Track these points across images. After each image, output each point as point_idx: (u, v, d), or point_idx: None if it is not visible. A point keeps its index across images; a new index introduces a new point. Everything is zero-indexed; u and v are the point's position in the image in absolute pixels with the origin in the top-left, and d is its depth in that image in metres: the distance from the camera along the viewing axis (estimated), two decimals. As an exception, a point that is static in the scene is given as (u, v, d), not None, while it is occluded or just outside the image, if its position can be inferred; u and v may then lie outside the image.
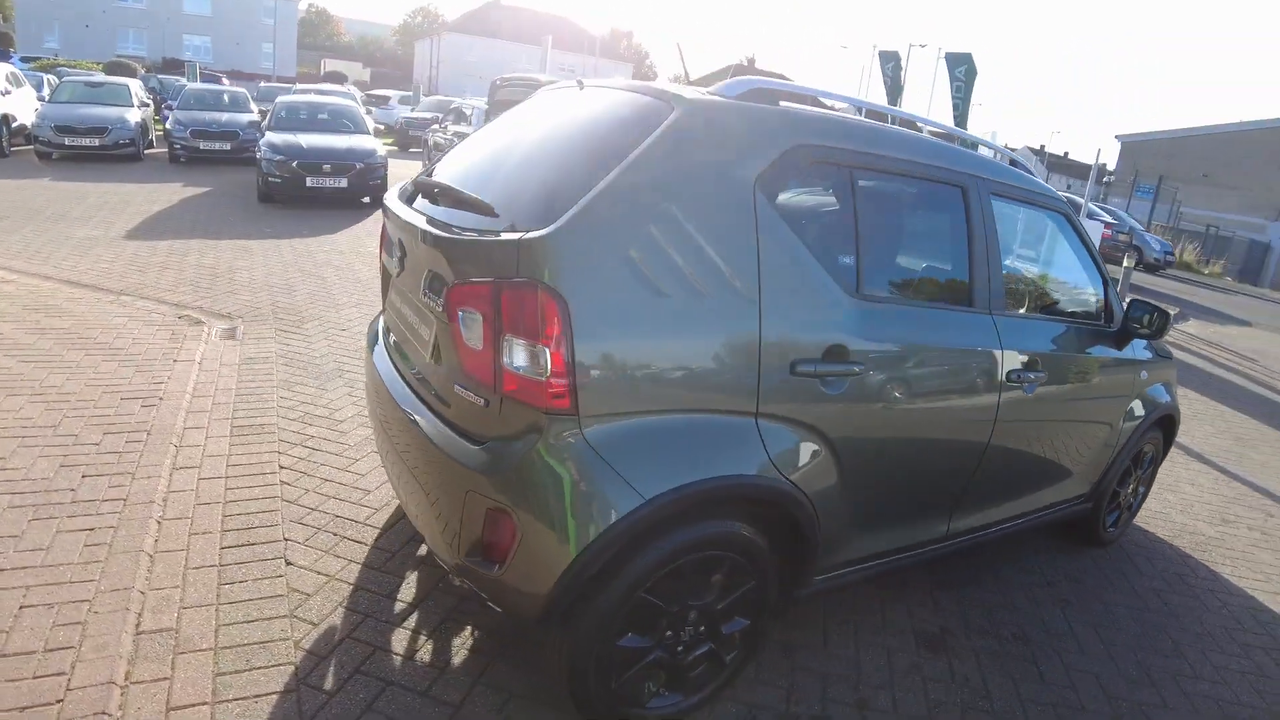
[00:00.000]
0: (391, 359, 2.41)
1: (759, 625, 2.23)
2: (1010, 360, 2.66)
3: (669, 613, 1.98)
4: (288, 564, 2.59)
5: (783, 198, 2.01)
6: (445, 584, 2.63)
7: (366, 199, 10.50)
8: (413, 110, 22.99)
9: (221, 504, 2.89)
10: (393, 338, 2.46)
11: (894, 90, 25.55)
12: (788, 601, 2.35)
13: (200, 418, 3.61)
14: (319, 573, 2.57)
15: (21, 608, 2.15)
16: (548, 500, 1.74)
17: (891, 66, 25.31)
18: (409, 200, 2.33)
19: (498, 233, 1.81)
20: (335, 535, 2.81)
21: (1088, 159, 39.19)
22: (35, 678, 1.91)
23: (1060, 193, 3.18)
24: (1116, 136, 33.74)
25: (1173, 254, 21.93)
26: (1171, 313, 3.34)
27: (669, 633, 2.01)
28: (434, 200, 2.17)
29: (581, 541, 1.72)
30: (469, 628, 2.44)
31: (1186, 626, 3.37)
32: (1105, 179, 30.26)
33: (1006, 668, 2.83)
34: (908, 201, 2.45)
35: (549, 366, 1.68)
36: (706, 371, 1.88)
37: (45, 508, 2.68)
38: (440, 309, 1.93)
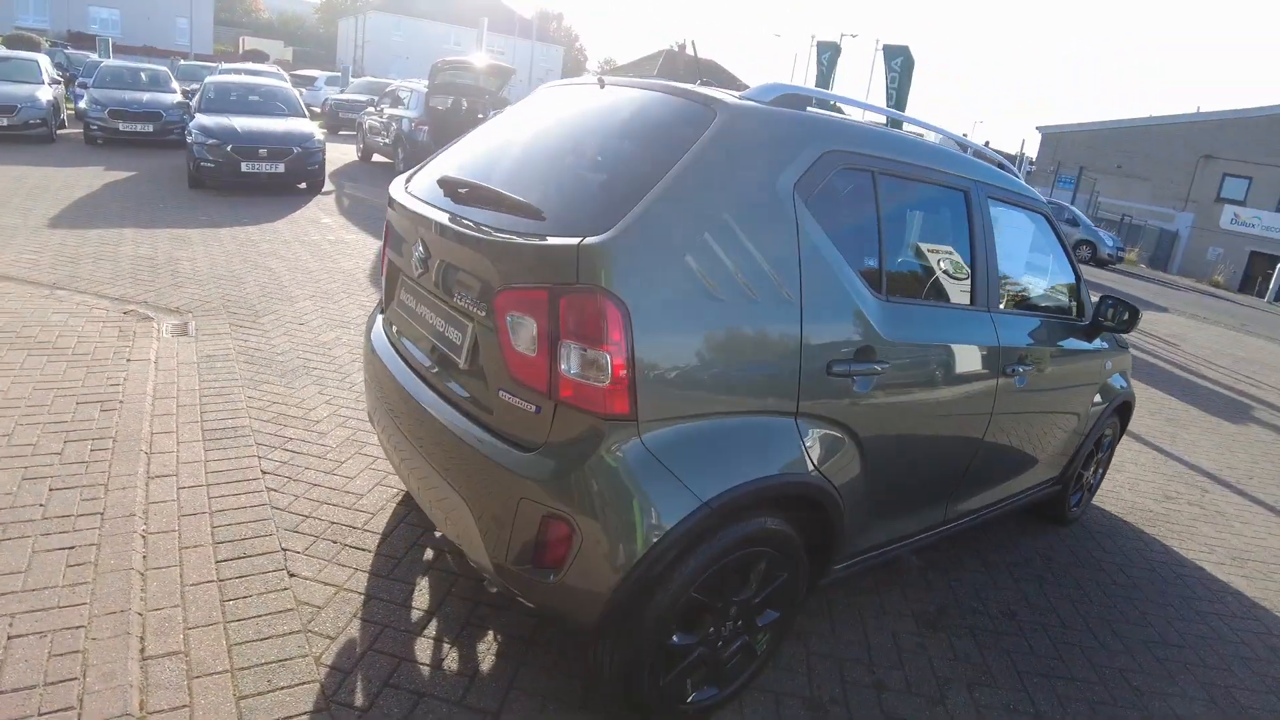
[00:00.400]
0: (405, 360, 2.31)
1: (789, 616, 2.28)
2: (1006, 355, 2.81)
3: (713, 609, 2.01)
4: (291, 575, 2.47)
5: (817, 202, 2.04)
6: (458, 589, 2.56)
7: (303, 185, 10.05)
8: (341, 92, 22.08)
9: (208, 514, 2.72)
10: (405, 339, 2.36)
11: (825, 80, 26.05)
12: (810, 591, 2.40)
13: (167, 421, 3.39)
14: (326, 583, 2.46)
15: (10, 638, 1.97)
16: (609, 507, 1.73)
17: (828, 57, 25.81)
18: (427, 197, 2.23)
19: (543, 236, 1.78)
20: (335, 543, 2.69)
21: (1009, 149, 40.89)
22: (41, 715, 1.76)
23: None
24: (1037, 128, 35.29)
25: (1123, 249, 23.15)
26: (1140, 309, 3.54)
27: (711, 629, 2.04)
28: (461, 199, 2.08)
29: (643, 547, 1.72)
30: (490, 632, 2.38)
31: (1149, 597, 3.60)
32: (1028, 170, 31.70)
33: (1001, 643, 2.97)
34: (920, 205, 2.53)
35: (610, 372, 1.67)
36: (753, 374, 1.91)
37: (15, 525, 2.46)
38: (483, 313, 1.88)
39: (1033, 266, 3.22)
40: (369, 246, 7.76)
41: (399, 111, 12.77)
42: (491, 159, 2.30)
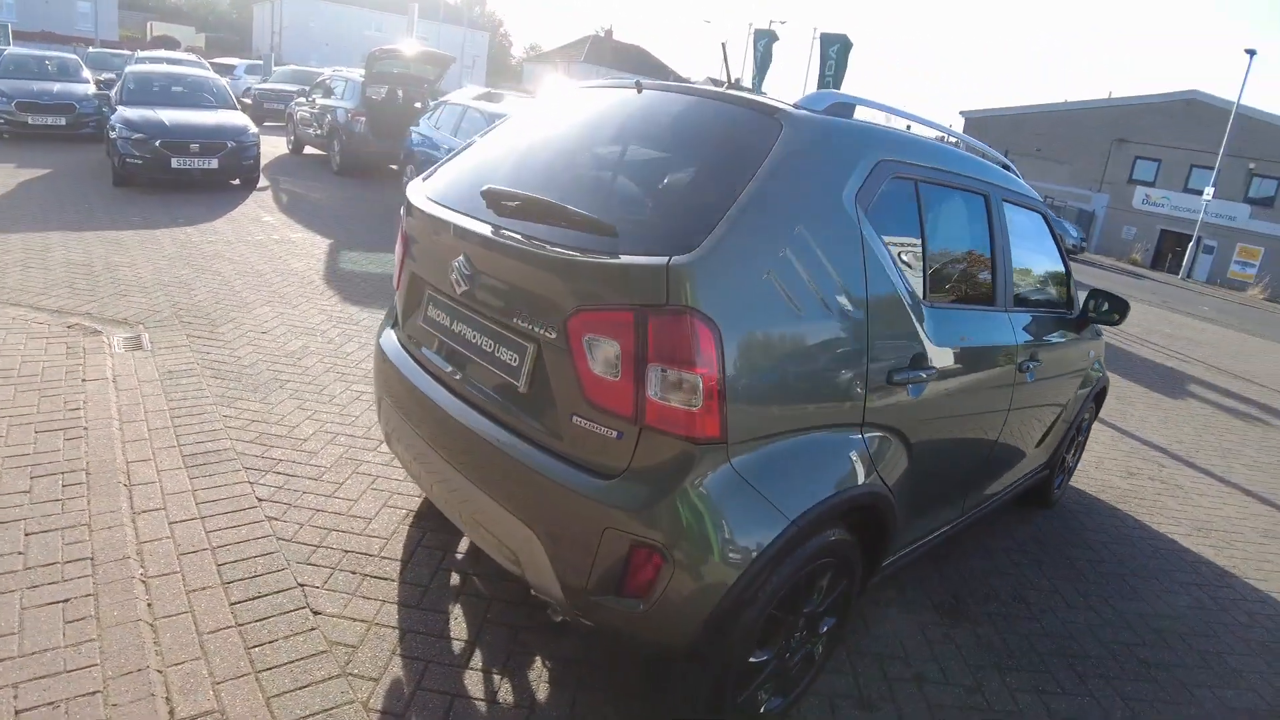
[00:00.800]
0: (441, 381, 2.16)
1: (844, 621, 2.31)
2: (1021, 352, 2.92)
3: (786, 623, 2.01)
4: (315, 613, 2.30)
5: (874, 212, 2.03)
6: (493, 615, 2.44)
7: (237, 181, 9.49)
8: (264, 81, 20.96)
9: (209, 551, 2.51)
10: (437, 357, 2.21)
11: (762, 68, 26.25)
12: (860, 594, 2.41)
13: (141, 448, 3.13)
14: (355, 619, 2.31)
15: (18, 713, 1.76)
16: (703, 533, 1.68)
17: (764, 44, 26.00)
18: (465, 208, 2.09)
19: (616, 254, 1.70)
20: (354, 574, 2.53)
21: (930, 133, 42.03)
22: (75, 798, 1.57)
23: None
24: (961, 113, 36.51)
25: (1085, 240, 24.13)
26: (1130, 302, 3.69)
27: (783, 642, 2.04)
28: (509, 212, 1.95)
29: (737, 571, 1.70)
30: (537, 658, 2.29)
31: (1135, 572, 3.78)
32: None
33: (1017, 627, 3.07)
34: (952, 209, 2.58)
35: (702, 395, 1.61)
36: (828, 388, 1.91)
37: (-6, 579, 2.21)
38: (553, 335, 1.77)
39: (1036, 264, 3.31)
40: (318, 246, 7.39)
41: (333, 102, 12.18)
42: (533, 168, 2.16)
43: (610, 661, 2.32)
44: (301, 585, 2.41)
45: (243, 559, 2.50)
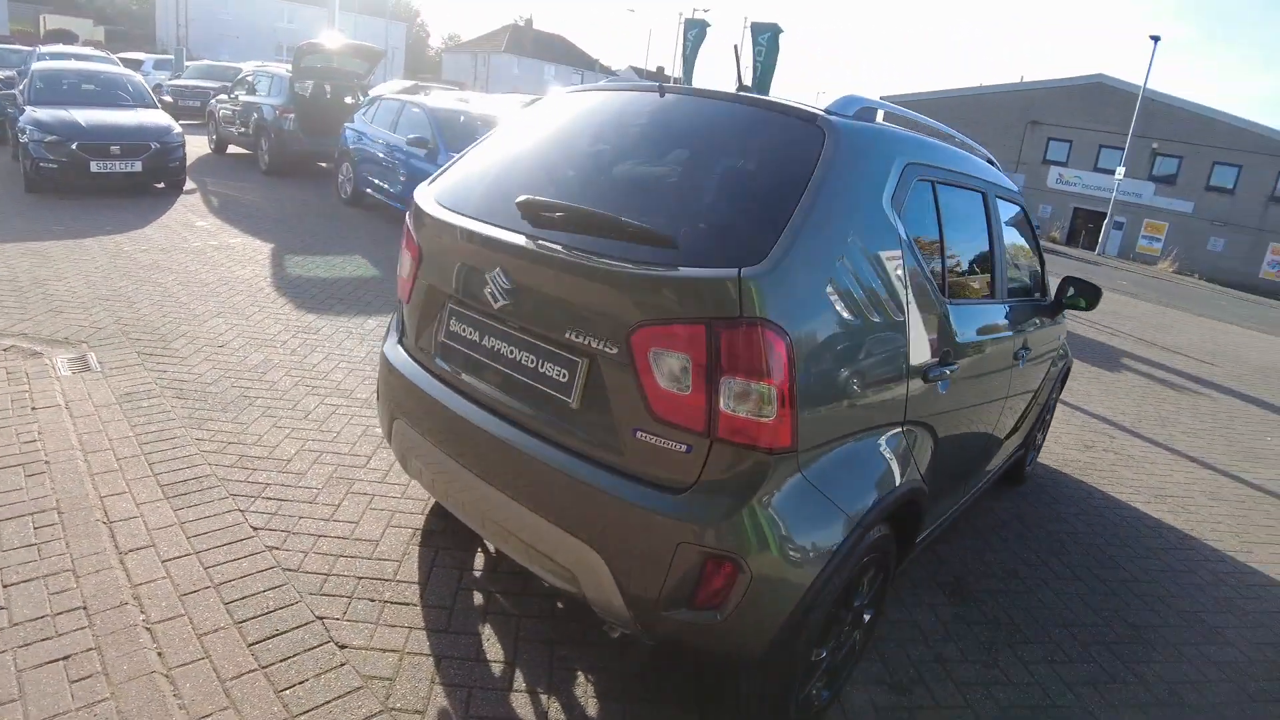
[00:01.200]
0: (471, 398, 2.06)
1: (880, 611, 2.38)
2: (1016, 341, 3.06)
3: (839, 618, 2.05)
4: (341, 647, 2.18)
5: (905, 214, 2.07)
6: (524, 632, 2.37)
7: (162, 184, 8.92)
8: (174, 77, 19.75)
9: (212, 588, 2.35)
10: (464, 374, 2.11)
11: (691, 58, 26.32)
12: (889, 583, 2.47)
13: (112, 480, 2.90)
14: (384, 649, 2.19)
15: (41, 786, 1.60)
16: (779, 541, 1.69)
17: (695, 33, 26.06)
18: (496, 219, 2.00)
19: (675, 266, 1.67)
20: (373, 601, 2.41)
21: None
22: None
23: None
24: (881, 97, 37.51)
25: (1039, 228, 25.19)
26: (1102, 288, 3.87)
27: (836, 637, 2.08)
28: (548, 223, 1.88)
29: (811, 574, 1.72)
30: (579, 673, 2.23)
31: (1109, 541, 3.98)
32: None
33: (1018, 602, 3.20)
34: (959, 208, 2.66)
35: (775, 406, 1.62)
36: (878, 389, 1.95)
37: (-21, 639, 2.01)
38: (613, 350, 1.73)
39: (1021, 256, 3.44)
40: (260, 251, 7.03)
41: (258, 99, 11.58)
42: (562, 176, 2.09)
43: (655, 671, 2.29)
44: (320, 618, 2.28)
45: (251, 595, 2.34)
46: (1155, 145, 29.26)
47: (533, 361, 1.91)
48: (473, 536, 2.89)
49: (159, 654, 2.04)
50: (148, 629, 2.12)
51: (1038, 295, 3.65)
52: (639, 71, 64.49)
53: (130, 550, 2.48)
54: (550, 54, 60.71)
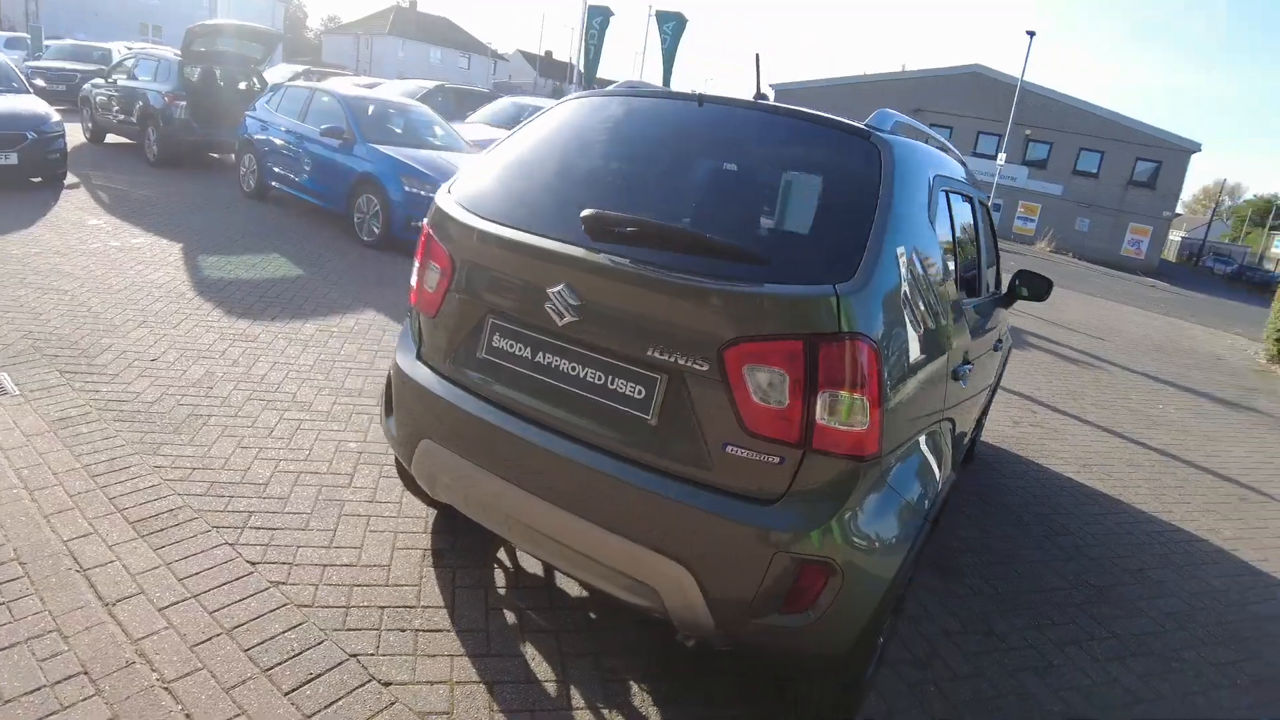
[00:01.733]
0: (524, 416, 1.98)
1: (906, 596, 2.55)
2: (994, 334, 3.33)
3: (894, 610, 2.18)
4: (385, 685, 2.05)
5: (935, 223, 2.18)
6: (566, 646, 2.32)
7: (39, 178, 8.01)
8: (32, 58, 17.66)
9: (225, 635, 2.15)
10: (514, 392, 2.02)
11: (597, 46, 26.06)
12: None
13: (72, 520, 2.60)
14: (432, 682, 2.09)
15: None
16: (870, 543, 1.77)
17: (599, 21, 25.82)
18: (551, 231, 1.93)
19: (761, 282, 1.71)
20: (404, 631, 2.28)
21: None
22: None
23: None
24: (770, 85, 38.59)
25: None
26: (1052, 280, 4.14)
27: (891, 623, 2.24)
28: (614, 238, 1.83)
29: (893, 572, 1.82)
30: (632, 684, 2.23)
31: (1057, 510, 4.33)
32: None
33: (997, 573, 3.46)
34: (964, 215, 2.83)
35: (868, 415, 1.68)
36: (931, 391, 2.07)
37: (-28, 720, 1.75)
38: (704, 366, 1.72)
39: (989, 252, 3.68)
40: (169, 251, 6.46)
41: (141, 84, 10.56)
42: (613, 186, 2.06)
43: (699, 668, 2.30)
44: (354, 656, 2.14)
45: (270, 638, 2.17)
46: (1028, 132, 31.58)
47: (600, 378, 1.86)
48: (484, 552, 2.79)
49: (187, 716, 1.85)
50: (166, 689, 1.93)
51: (996, 287, 3.90)
52: (527, 56, 63.21)
53: (118, 600, 2.23)
54: (436, 37, 58.58)
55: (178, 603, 2.26)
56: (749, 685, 2.31)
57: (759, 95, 2.45)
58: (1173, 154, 31.09)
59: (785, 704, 2.25)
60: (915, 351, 1.92)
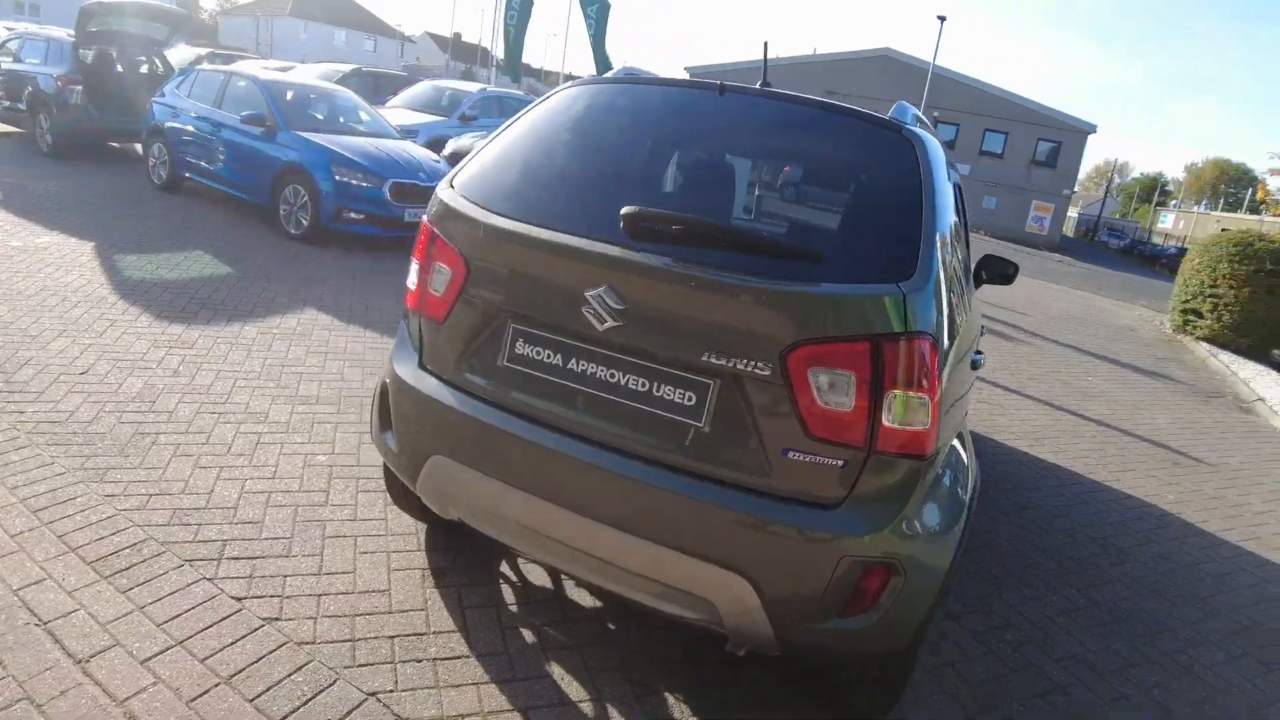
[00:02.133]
0: (557, 427, 1.85)
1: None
2: (979, 319, 3.37)
3: None
4: (411, 724, 1.90)
5: (958, 215, 2.24)
6: (590, 662, 2.22)
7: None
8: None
9: (224, 684, 1.95)
10: (538, 399, 1.89)
11: (521, 28, 25.36)
12: None
13: (19, 565, 2.30)
14: (464, 715, 1.95)
15: None
16: (930, 539, 1.78)
17: (520, 3, 25.11)
18: (584, 230, 1.80)
19: (818, 282, 1.66)
20: (420, 661, 2.13)
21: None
22: None
23: None
24: (685, 68, 38.73)
25: None
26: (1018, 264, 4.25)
27: None
28: (655, 236, 1.73)
29: (947, 563, 1.83)
30: (667, 695, 2.16)
31: (1021, 486, 4.52)
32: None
33: (984, 554, 3.56)
34: (960, 205, 2.83)
35: (930, 414, 1.67)
36: (964, 382, 2.11)
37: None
38: (764, 371, 1.66)
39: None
40: (81, 251, 5.90)
41: (28, 68, 9.60)
42: (648, 181, 1.95)
43: (734, 672, 2.26)
44: (373, 694, 1.98)
45: (276, 683, 1.98)
46: (936, 113, 32.82)
47: (644, 385, 1.76)
48: (487, 567, 2.65)
49: (199, 779, 1.66)
50: (168, 750, 1.72)
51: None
52: (436, 39, 61.19)
53: (92, 656, 1.99)
54: (340, 18, 56.02)
55: (162, 652, 2.04)
56: (790, 684, 2.29)
57: (764, 84, 2.38)
58: (1071, 135, 33.00)
59: (825, 698, 2.24)
60: (956, 345, 1.92)
